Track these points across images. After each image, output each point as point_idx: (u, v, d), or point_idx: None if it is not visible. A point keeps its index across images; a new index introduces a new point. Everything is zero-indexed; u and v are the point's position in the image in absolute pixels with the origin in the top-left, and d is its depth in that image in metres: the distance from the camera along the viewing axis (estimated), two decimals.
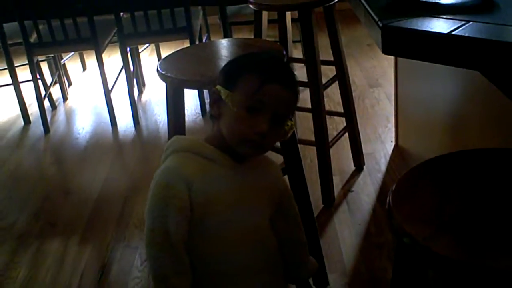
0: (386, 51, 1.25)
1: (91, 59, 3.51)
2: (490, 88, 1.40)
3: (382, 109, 3.27)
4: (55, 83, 4.11)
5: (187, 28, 3.31)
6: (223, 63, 1.60)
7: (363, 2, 1.40)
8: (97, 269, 2.27)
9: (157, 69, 1.76)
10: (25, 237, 2.53)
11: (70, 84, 4.22)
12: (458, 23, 1.20)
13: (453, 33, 1.16)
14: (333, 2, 2.32)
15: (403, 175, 1.30)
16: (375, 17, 1.29)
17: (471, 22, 1.20)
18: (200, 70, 1.74)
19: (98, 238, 2.46)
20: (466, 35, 1.15)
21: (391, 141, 2.90)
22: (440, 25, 1.23)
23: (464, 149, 1.38)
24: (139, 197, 2.70)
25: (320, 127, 2.42)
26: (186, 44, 3.41)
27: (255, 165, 1.31)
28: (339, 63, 2.53)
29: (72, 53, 4.21)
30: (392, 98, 3.19)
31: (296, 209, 1.43)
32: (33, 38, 3.43)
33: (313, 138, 2.47)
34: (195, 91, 3.53)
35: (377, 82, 3.62)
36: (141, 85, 3.96)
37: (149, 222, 1.23)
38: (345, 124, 2.66)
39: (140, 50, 3.98)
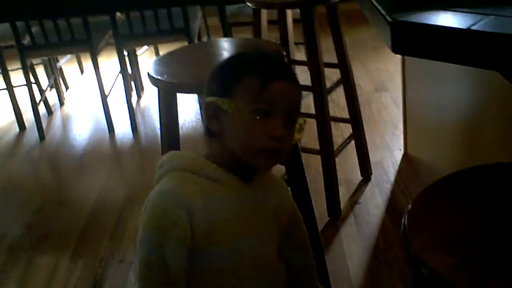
0: (396, 49, 1.12)
1: (89, 62, 3.39)
2: (510, 91, 1.27)
3: (389, 115, 3.14)
4: (52, 87, 4.00)
5: (185, 29, 3.18)
6: None
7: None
8: (89, 285, 2.14)
9: (148, 73, 1.64)
10: (16, 249, 2.41)
11: (67, 88, 4.10)
12: (477, 17, 1.07)
13: (471, 28, 1.02)
14: (336, 0, 2.20)
15: (419, 194, 1.16)
16: (383, 12, 1.15)
17: (492, 16, 1.07)
18: (195, 73, 1.61)
19: (91, 251, 2.34)
20: (487, 30, 1.01)
21: (400, 149, 2.76)
22: (457, 20, 1.09)
23: (481, 160, 1.25)
24: (135, 208, 2.58)
25: (324, 135, 2.30)
26: None
27: (263, 185, 1.17)
28: (344, 65, 2.40)
29: (69, 56, 4.10)
30: (400, 103, 3.06)
31: (306, 234, 1.29)
32: (26, 40, 3.31)
33: (317, 146, 2.34)
34: (194, 94, 3.41)
35: (384, 86, 3.49)
36: (140, 90, 3.84)
37: (143, 254, 1.08)
38: (351, 131, 2.53)
39: (138, 53, 3.85)
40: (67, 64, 4.28)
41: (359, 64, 3.77)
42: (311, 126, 2.55)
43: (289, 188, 1.31)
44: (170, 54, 1.78)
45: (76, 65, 4.37)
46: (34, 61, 3.63)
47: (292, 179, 1.76)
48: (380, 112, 3.18)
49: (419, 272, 1.00)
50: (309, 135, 2.66)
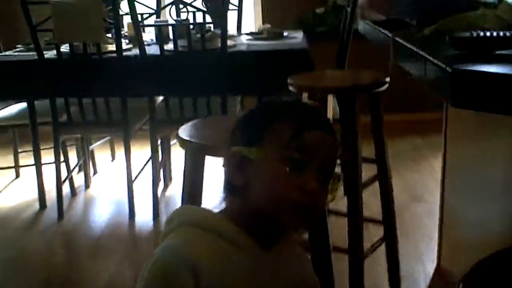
0: (457, 102, 0.97)
1: (121, 150, 3.36)
2: None
3: (424, 226, 2.97)
4: (80, 170, 3.97)
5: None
6: None
7: (423, 53, 1.15)
8: None
9: (177, 135, 1.56)
10: None
11: (95, 172, 4.06)
12: None
13: None
14: (380, 89, 2.13)
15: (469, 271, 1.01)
16: (441, 64, 1.02)
17: None
18: (224, 137, 1.52)
19: None
20: None
21: (432, 262, 2.57)
22: None
23: None
24: None
25: (355, 233, 2.14)
26: None
27: (283, 255, 1.03)
28: (382, 160, 2.29)
29: (102, 140, 4.09)
30: (435, 214, 2.90)
31: None
32: (63, 118, 3.31)
33: (343, 245, 2.18)
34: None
35: (420, 197, 3.34)
36: (168, 179, 3.77)
37: None
38: (382, 235, 2.37)
39: (172, 143, 3.82)
40: (99, 149, 4.27)
41: (396, 174, 3.63)
42: (340, 222, 2.41)
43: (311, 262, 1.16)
44: (201, 121, 1.71)
45: (108, 151, 4.35)
46: (68, 142, 3.64)
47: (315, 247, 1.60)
48: (413, 222, 3.02)
49: None
50: (336, 233, 2.51)
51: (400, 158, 3.93)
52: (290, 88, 2.23)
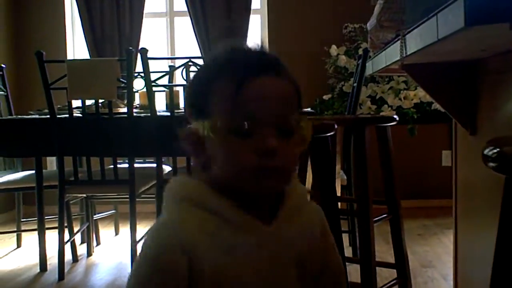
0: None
1: (126, 226, 3.28)
2: None
3: (437, 286, 2.86)
4: (82, 242, 3.91)
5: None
6: None
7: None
8: None
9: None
10: None
11: (98, 243, 3.97)
12: None
13: None
14: (388, 123, 2.14)
15: None
16: None
17: None
18: None
19: None
20: None
21: None
22: None
23: None
24: None
25: (368, 277, 2.05)
26: None
27: (291, 222, 0.94)
28: (393, 201, 2.25)
29: (106, 213, 4.05)
30: (448, 277, 2.83)
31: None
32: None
33: None
34: None
35: (431, 264, 3.24)
36: None
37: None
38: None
39: None
40: (103, 225, 4.22)
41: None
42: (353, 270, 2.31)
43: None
44: None
45: (112, 226, 4.30)
46: (72, 211, 3.61)
47: None
48: (427, 284, 2.90)
49: None
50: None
51: (408, 236, 3.85)
52: None
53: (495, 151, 0.85)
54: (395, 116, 2.21)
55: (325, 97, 4.77)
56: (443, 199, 4.50)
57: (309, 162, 2.27)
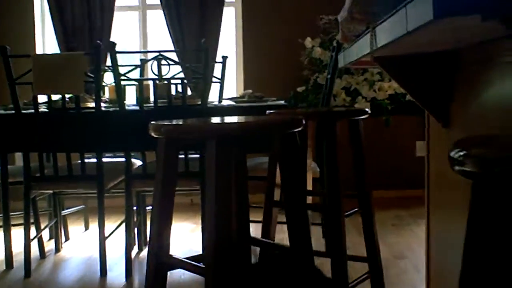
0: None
1: (95, 222, 3.21)
2: None
3: (409, 278, 2.85)
4: (50, 238, 3.83)
5: (201, 173, 3.09)
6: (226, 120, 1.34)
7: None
8: None
9: (150, 124, 1.49)
10: None
11: (67, 239, 3.89)
12: None
13: None
14: (360, 117, 2.11)
15: None
16: None
17: None
18: (200, 122, 1.46)
19: None
20: None
21: None
22: None
23: None
24: None
25: (339, 271, 2.03)
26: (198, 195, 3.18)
27: None
28: (363, 193, 2.21)
29: (75, 208, 3.96)
30: (420, 269, 2.81)
31: None
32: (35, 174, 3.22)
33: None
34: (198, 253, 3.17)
35: (403, 255, 3.23)
36: (142, 243, 3.61)
37: None
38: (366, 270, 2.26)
39: (148, 209, 3.70)
40: (72, 220, 4.14)
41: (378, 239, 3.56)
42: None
43: None
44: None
45: (82, 221, 4.22)
46: (39, 207, 3.53)
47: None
48: (399, 276, 2.89)
49: None
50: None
51: (382, 226, 3.86)
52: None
53: (461, 153, 0.80)
54: (367, 109, 2.18)
55: (299, 89, 4.73)
56: (417, 189, 4.50)
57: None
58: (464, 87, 1.91)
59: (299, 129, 1.39)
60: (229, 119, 1.50)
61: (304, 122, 1.41)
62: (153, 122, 1.48)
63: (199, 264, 1.40)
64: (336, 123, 1.97)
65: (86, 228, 4.18)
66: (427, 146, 2.40)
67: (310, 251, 1.51)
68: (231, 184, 1.36)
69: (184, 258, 1.51)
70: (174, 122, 1.49)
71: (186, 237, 3.87)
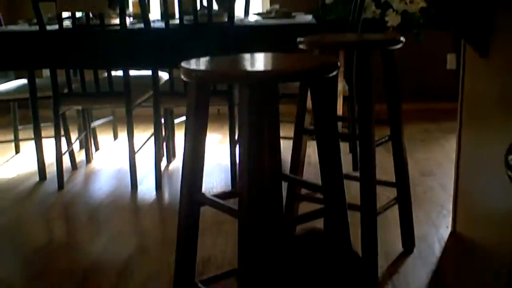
0: None
1: (124, 132, 3.26)
2: None
3: (436, 196, 2.87)
4: (81, 148, 3.91)
5: (228, 92, 3.06)
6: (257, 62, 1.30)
7: None
8: None
9: (181, 67, 1.45)
10: (5, 286, 2.15)
11: (97, 149, 3.97)
12: None
13: None
14: (394, 46, 2.04)
15: None
16: None
17: None
18: (231, 65, 1.42)
19: None
20: None
21: (447, 227, 2.47)
22: None
23: None
24: (144, 260, 2.32)
25: (368, 192, 2.03)
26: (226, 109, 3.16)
27: None
28: (396, 119, 2.18)
29: (104, 120, 4.00)
30: (447, 187, 2.85)
31: None
32: (64, 91, 3.22)
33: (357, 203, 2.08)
34: (226, 166, 3.22)
35: (430, 172, 3.24)
36: (171, 155, 3.67)
37: None
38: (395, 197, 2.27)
39: (176, 122, 3.73)
40: (101, 130, 4.20)
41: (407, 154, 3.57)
42: (353, 184, 2.30)
43: None
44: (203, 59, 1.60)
45: (110, 132, 4.28)
46: (69, 119, 3.57)
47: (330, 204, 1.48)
48: (425, 193, 2.91)
49: None
50: (350, 194, 2.41)
51: (410, 141, 3.85)
52: (300, 46, 2.13)
53: None
54: (401, 39, 2.09)
55: (328, 1, 4.56)
56: (447, 102, 4.45)
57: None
58: (507, 18, 1.82)
59: (335, 73, 1.35)
60: (261, 61, 1.45)
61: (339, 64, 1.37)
62: (183, 64, 1.44)
63: (232, 206, 1.41)
64: (369, 53, 1.91)
65: (115, 138, 4.25)
66: (462, 59, 2.32)
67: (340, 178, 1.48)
68: (264, 130, 1.35)
69: (216, 198, 1.53)
70: (204, 63, 1.46)
71: (213, 149, 3.92)
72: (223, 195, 1.59)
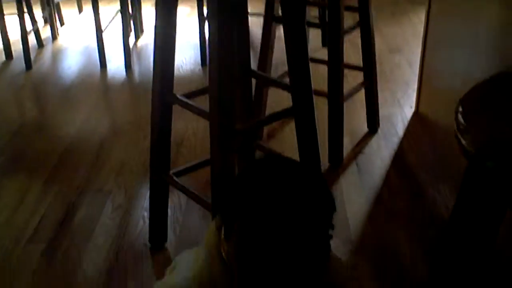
0: None
1: (89, 5, 3.16)
2: None
3: (402, 74, 2.94)
4: (46, 22, 3.80)
5: None
6: None
7: None
8: (61, 212, 1.94)
9: None
10: None
11: (62, 24, 3.88)
12: None
13: None
14: None
15: (467, 93, 0.96)
16: None
17: None
18: None
19: (67, 179, 2.13)
20: None
21: (411, 107, 2.56)
22: None
23: None
24: (118, 140, 2.38)
25: (335, 77, 2.08)
26: None
27: None
28: (364, 8, 2.18)
29: None
30: (414, 64, 2.87)
31: None
32: None
33: (325, 89, 2.12)
34: (195, 42, 3.19)
35: (398, 48, 3.27)
36: (139, 31, 3.61)
37: None
38: (361, 81, 2.32)
39: None
40: (66, 4, 4.07)
41: (375, 28, 3.54)
42: (321, 68, 2.35)
43: None
44: None
45: (75, 5, 4.15)
46: None
47: (298, 113, 1.53)
48: (392, 71, 2.97)
49: (476, 165, 0.80)
50: (318, 78, 2.45)
51: (380, 12, 3.82)
52: None
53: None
54: None
55: None
56: None
57: None
58: None
59: None
60: None
61: None
62: None
63: (203, 109, 1.44)
64: None
65: (80, 11, 4.13)
66: None
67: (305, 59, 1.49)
68: (234, 24, 1.34)
69: (186, 98, 1.55)
70: None
71: (183, 23, 3.85)
72: (193, 94, 1.61)
